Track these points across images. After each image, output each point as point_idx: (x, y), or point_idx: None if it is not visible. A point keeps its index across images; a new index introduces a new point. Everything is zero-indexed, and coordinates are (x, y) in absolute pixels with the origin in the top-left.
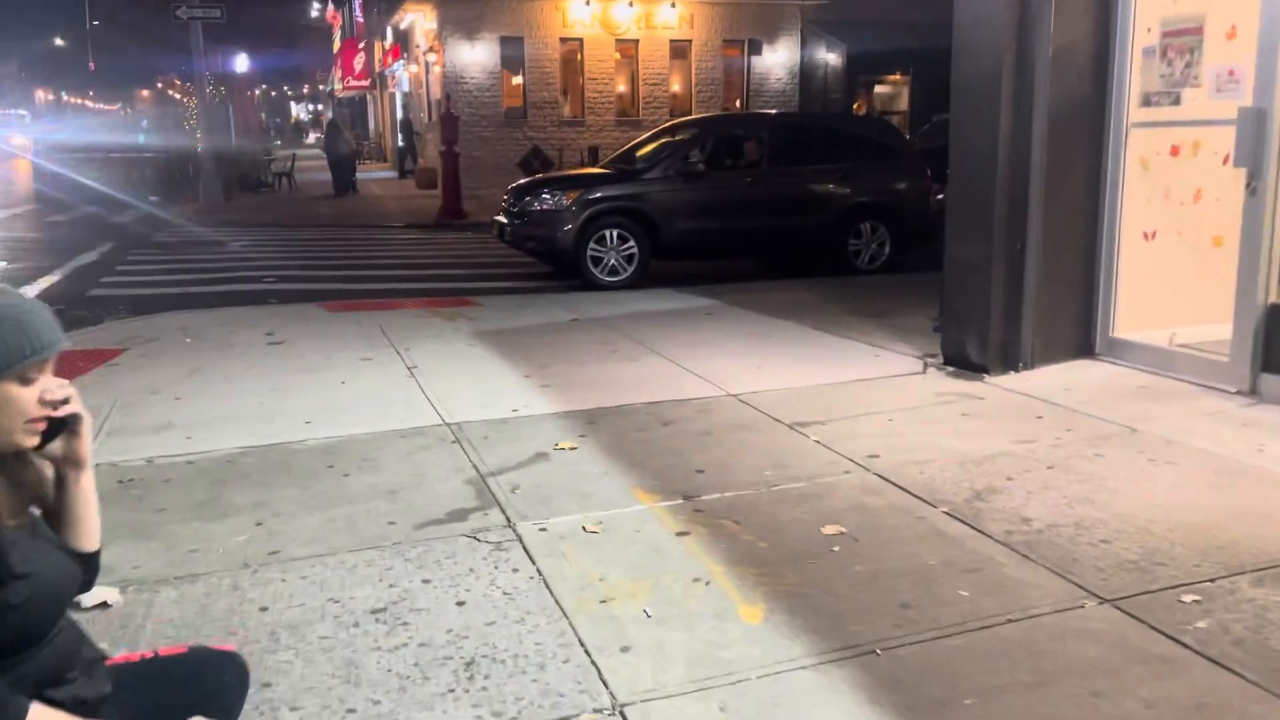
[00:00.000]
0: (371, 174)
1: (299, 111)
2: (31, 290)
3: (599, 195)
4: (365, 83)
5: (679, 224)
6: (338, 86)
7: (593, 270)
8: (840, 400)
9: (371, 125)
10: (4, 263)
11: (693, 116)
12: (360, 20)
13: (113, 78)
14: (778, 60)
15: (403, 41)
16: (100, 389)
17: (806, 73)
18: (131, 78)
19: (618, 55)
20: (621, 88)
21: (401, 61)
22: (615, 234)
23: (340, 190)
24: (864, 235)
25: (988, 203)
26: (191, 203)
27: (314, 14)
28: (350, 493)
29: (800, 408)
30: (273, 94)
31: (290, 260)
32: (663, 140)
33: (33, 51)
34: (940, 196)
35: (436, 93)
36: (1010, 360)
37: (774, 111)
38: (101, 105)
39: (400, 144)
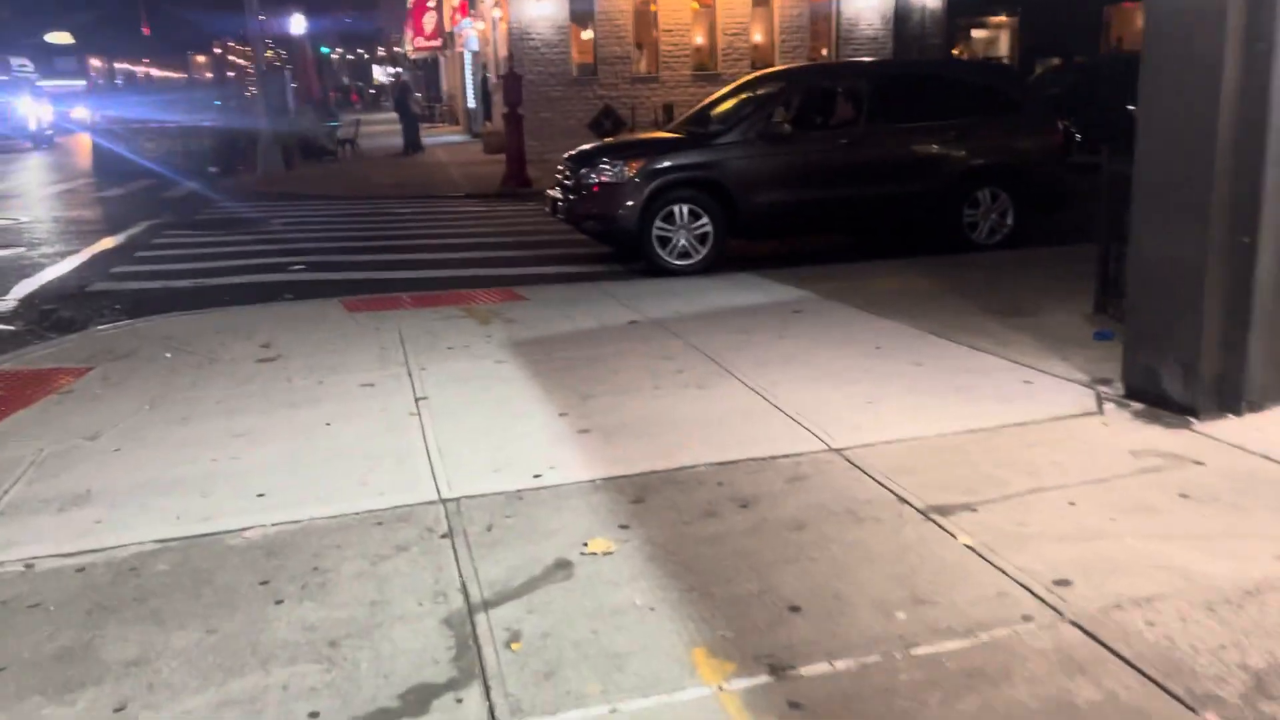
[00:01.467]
0: (442, 137)
1: (379, 74)
2: (33, 283)
3: (666, 165)
4: (436, 43)
5: (761, 196)
6: (409, 48)
7: (659, 252)
8: (990, 462)
9: (443, 86)
10: (23, 248)
11: (776, 68)
12: None
13: (168, 44)
14: (869, 4)
15: None
16: (32, 430)
17: (900, 17)
18: (188, 43)
19: (695, 5)
20: (699, 40)
21: (469, 19)
22: (685, 210)
23: (409, 149)
24: (982, 204)
25: (1200, 179)
26: (251, 174)
27: None
28: (272, 642)
29: (934, 477)
30: (349, 58)
31: (329, 241)
32: (742, 97)
33: (83, 19)
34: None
35: (504, 51)
36: (1229, 399)
37: (872, 59)
38: (159, 72)
39: (471, 105)
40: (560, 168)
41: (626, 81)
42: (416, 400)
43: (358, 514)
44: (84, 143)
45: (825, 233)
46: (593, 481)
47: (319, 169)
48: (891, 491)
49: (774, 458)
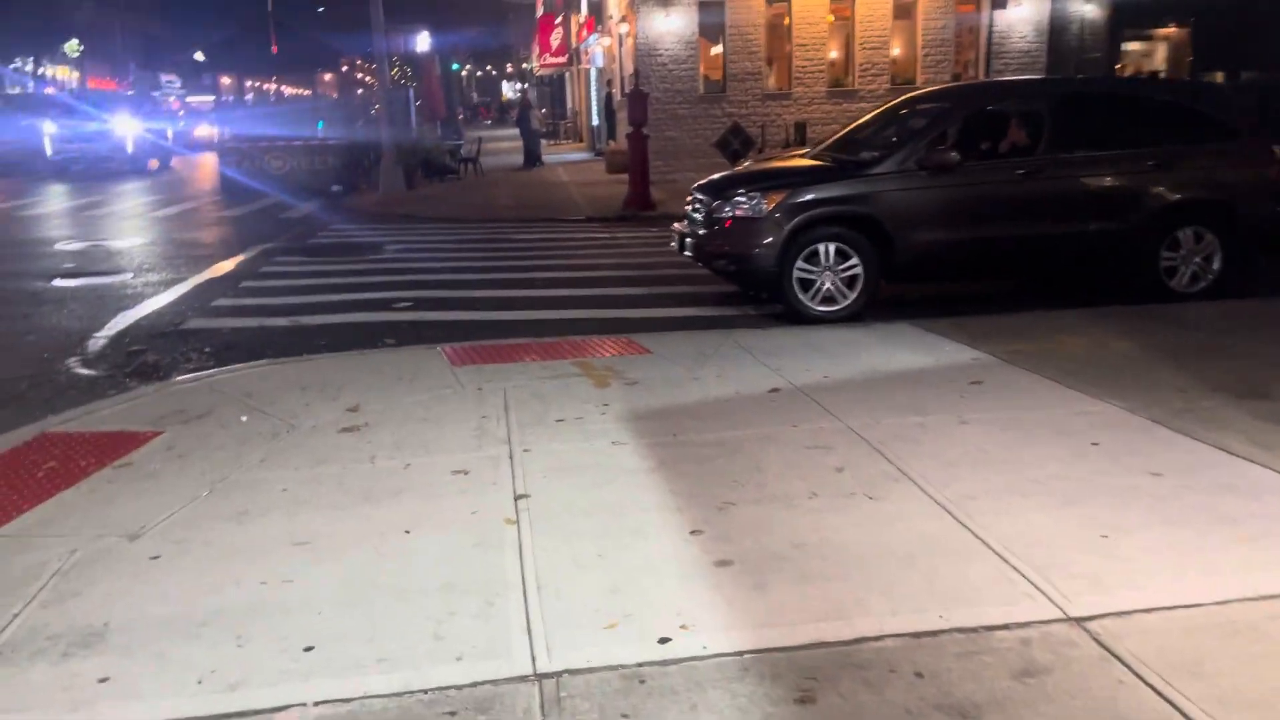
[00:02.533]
0: (565, 155)
1: (508, 91)
2: (129, 316)
3: (811, 198)
4: (562, 59)
5: (922, 234)
6: (537, 64)
7: (800, 297)
8: None
9: (568, 104)
10: (131, 274)
11: (939, 86)
12: None
13: (296, 61)
14: (1022, 15)
15: (597, 14)
16: (72, 520)
17: (1056, 29)
18: (315, 60)
19: (831, 17)
20: (834, 54)
21: (595, 35)
22: (832, 249)
23: (528, 164)
24: (1184, 246)
25: None
26: (372, 193)
27: None
28: None
29: (1233, 683)
30: (478, 74)
31: (441, 272)
32: (896, 119)
33: (214, 38)
34: None
35: (630, 67)
36: None
37: (1052, 77)
38: (286, 89)
39: (595, 123)
40: (690, 199)
41: (757, 99)
42: (516, 499)
43: (426, 692)
44: (212, 160)
45: (996, 277)
46: (739, 657)
47: (440, 188)
48: (1179, 711)
49: (990, 629)
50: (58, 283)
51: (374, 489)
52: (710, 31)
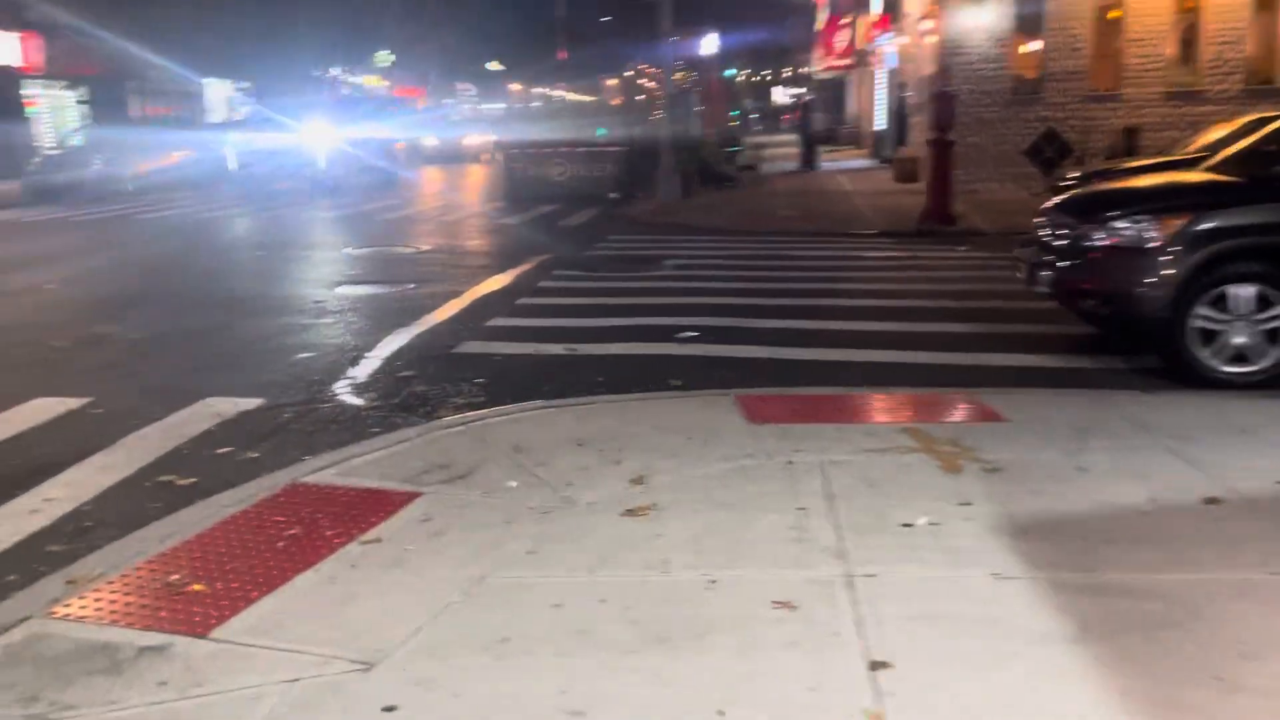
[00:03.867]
0: (845, 162)
1: (779, 96)
2: (403, 335)
3: (1222, 225)
4: (847, 61)
5: None
6: (817, 67)
7: (1199, 352)
8: None
9: (848, 108)
10: (412, 284)
11: None
12: None
13: (581, 68)
14: None
15: (892, 11)
16: (302, 623)
17: None
18: (600, 66)
19: (1173, 7)
20: (1174, 50)
21: (889, 34)
22: (1250, 293)
23: (805, 166)
24: None
25: None
26: (649, 200)
27: None
28: None
29: None
30: (753, 79)
31: (725, 294)
32: None
33: (505, 47)
34: None
35: (928, 67)
36: None
37: None
38: (570, 95)
39: (880, 127)
40: (1043, 220)
41: (1077, 100)
42: (870, 668)
43: None
44: (475, 171)
45: None
46: None
47: (717, 197)
48: None
49: None
50: (340, 290)
51: (670, 622)
52: (1027, 25)
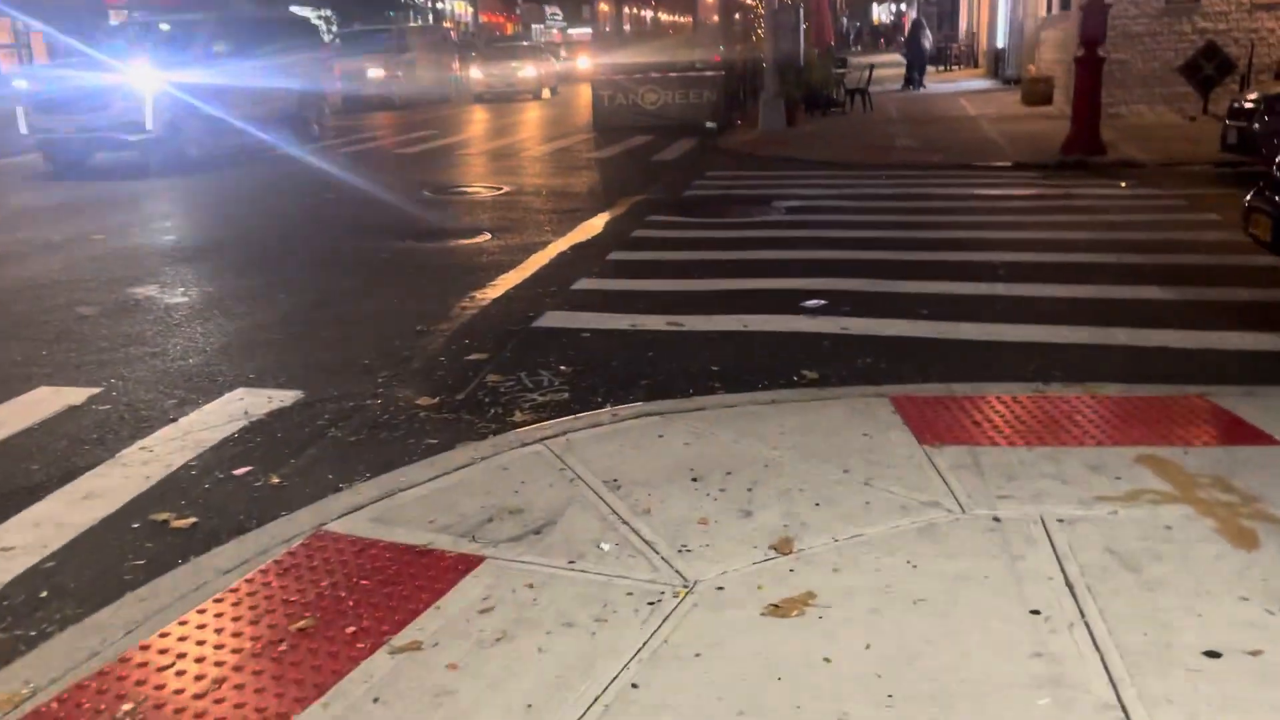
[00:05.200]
0: (962, 84)
1: (880, 13)
2: (476, 303)
3: None
4: None
5: None
6: None
7: None
8: None
9: (963, 25)
10: (492, 234)
11: None
12: None
13: None
14: None
15: None
16: None
17: None
18: None
19: None
20: None
21: None
22: None
23: (908, 85)
24: None
25: None
26: (749, 129)
27: None
28: None
29: None
30: None
31: (851, 245)
32: None
33: None
34: None
35: None
36: None
37: None
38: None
39: (1000, 45)
40: None
41: (1242, 9)
42: None
43: None
44: (584, 92)
45: None
46: None
47: (826, 124)
48: None
49: None
50: (411, 243)
51: None
52: None
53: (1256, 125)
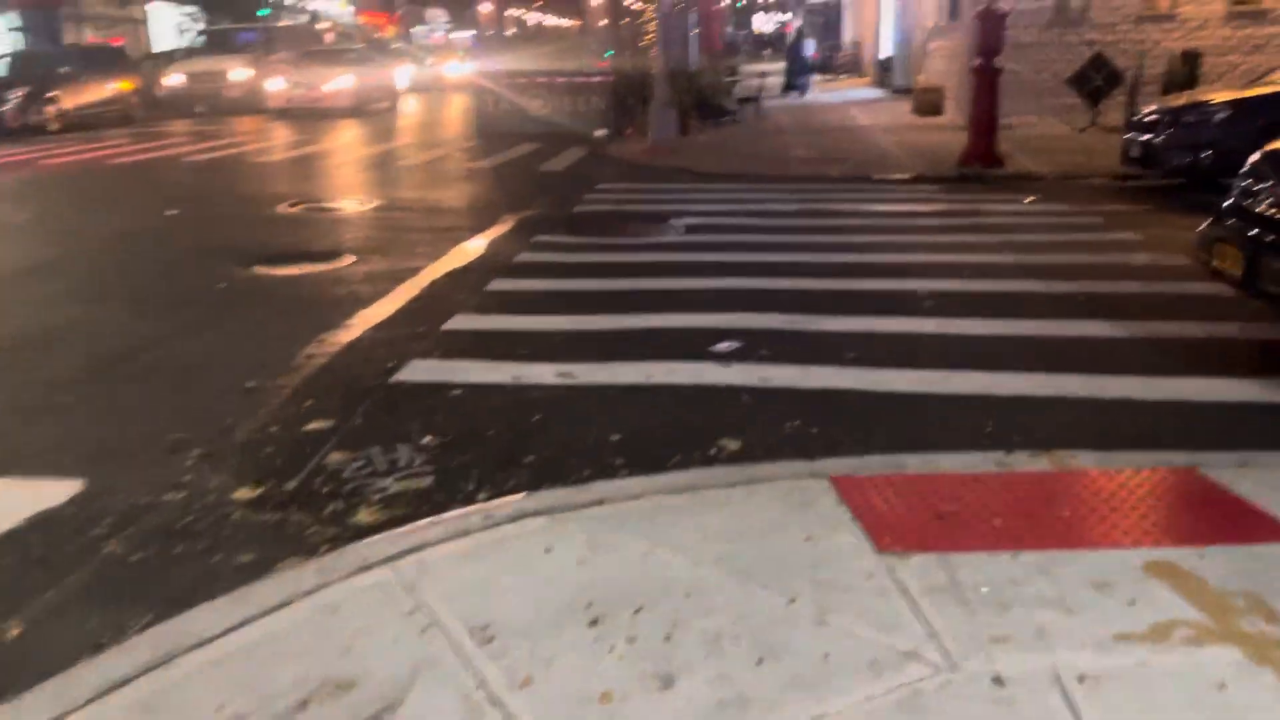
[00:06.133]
0: (849, 93)
1: (761, 24)
2: (326, 348)
3: None
4: None
5: None
6: None
7: None
8: None
9: (846, 35)
10: (351, 258)
11: None
12: None
13: None
14: None
15: None
16: None
17: None
18: None
19: None
20: None
21: None
22: None
23: (788, 89)
24: None
25: None
26: (641, 139)
27: None
28: None
29: None
30: (738, 3)
31: (760, 272)
32: None
33: None
34: None
35: None
36: None
37: None
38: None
39: (885, 54)
40: (1255, 174)
41: (1129, 21)
42: None
43: None
44: (461, 100)
45: None
46: None
47: (718, 134)
48: None
49: None
50: (258, 270)
51: None
52: None
53: (1159, 139)
